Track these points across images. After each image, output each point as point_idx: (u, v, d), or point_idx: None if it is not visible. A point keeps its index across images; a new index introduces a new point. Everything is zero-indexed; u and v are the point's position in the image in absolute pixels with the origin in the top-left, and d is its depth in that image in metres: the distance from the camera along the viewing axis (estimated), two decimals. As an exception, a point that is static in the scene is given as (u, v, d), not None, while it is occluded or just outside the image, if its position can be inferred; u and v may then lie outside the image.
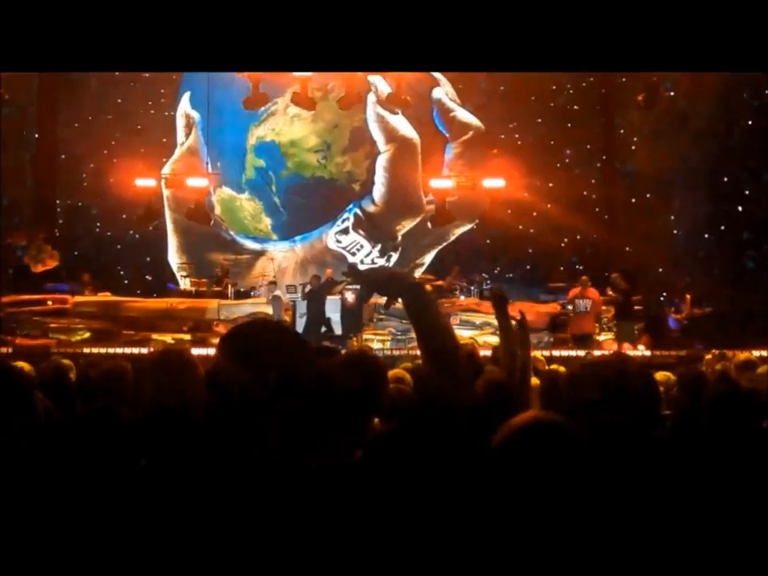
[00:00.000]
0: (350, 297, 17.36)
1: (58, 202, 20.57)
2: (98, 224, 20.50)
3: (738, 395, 4.15)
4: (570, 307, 16.78)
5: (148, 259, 20.72)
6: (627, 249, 19.37)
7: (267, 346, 2.08)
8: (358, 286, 17.12)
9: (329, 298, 18.09)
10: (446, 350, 2.46)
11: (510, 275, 20.12)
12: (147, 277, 20.22)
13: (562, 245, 20.25)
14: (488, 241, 20.58)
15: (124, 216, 19.92)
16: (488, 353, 14.99)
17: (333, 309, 17.79)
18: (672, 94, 19.10)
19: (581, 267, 19.47)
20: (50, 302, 17.62)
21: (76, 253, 19.96)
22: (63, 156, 20.54)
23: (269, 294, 17.81)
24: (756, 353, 10.93)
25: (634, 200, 19.83)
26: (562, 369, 11.00)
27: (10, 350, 14.33)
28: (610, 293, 16.46)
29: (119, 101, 20.54)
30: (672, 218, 19.22)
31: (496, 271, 20.25)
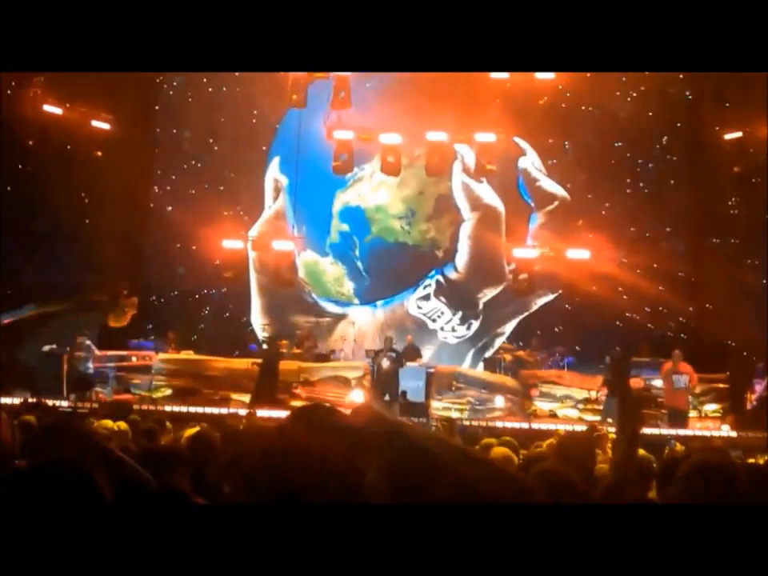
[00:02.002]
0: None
1: (144, 258, 21.03)
2: (184, 282, 20.80)
3: None
4: (657, 383, 16.52)
5: (231, 319, 20.94)
6: (714, 324, 18.85)
7: None
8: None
9: (408, 364, 18.06)
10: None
11: (593, 348, 19.70)
12: (228, 337, 20.39)
13: (648, 319, 19.81)
14: (570, 312, 20.28)
15: (210, 276, 20.19)
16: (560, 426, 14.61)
17: (411, 375, 17.67)
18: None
19: (667, 343, 18.96)
20: (134, 359, 17.99)
21: (161, 310, 20.29)
22: (152, 211, 21.01)
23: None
24: None
25: (722, 275, 19.30)
26: (679, 448, 10.51)
27: (95, 406, 14.52)
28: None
29: (210, 162, 21.02)
30: (763, 293, 18.63)
31: (577, 345, 19.91)
